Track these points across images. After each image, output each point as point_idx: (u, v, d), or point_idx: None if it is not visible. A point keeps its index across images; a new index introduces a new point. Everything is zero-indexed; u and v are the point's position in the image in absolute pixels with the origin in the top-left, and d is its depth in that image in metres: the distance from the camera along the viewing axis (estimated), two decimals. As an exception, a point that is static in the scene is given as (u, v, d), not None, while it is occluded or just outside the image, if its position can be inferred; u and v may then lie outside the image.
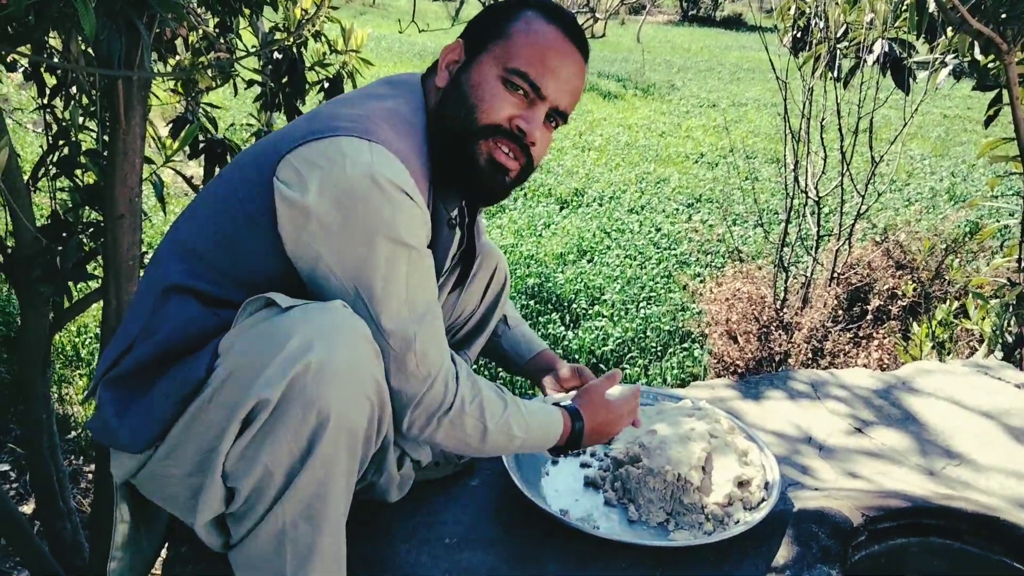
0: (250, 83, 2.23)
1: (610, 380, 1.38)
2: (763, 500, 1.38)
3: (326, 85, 2.25)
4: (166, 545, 1.34)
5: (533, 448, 1.26)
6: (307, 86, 2.19)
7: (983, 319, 2.52)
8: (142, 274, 1.18)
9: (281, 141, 1.08)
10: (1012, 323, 2.48)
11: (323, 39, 2.21)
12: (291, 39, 2.08)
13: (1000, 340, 2.49)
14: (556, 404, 1.32)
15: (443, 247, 1.22)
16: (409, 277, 1.06)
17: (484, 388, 1.17)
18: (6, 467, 2.66)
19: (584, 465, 1.55)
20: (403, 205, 1.04)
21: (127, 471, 1.11)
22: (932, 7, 2.42)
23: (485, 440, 1.16)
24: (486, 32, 1.17)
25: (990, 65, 2.42)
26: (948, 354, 2.72)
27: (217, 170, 2.20)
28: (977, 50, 2.39)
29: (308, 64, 2.19)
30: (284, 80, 2.16)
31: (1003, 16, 2.13)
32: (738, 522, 1.34)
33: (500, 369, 3.28)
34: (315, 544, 1.03)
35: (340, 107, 1.12)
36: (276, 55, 2.15)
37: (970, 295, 2.66)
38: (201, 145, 2.17)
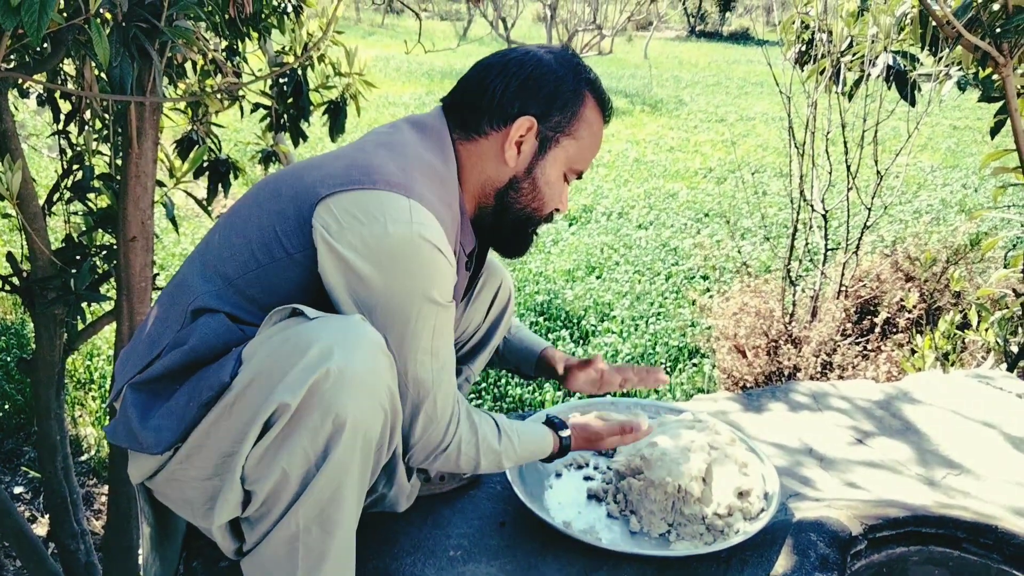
0: (256, 106, 2.28)
1: (633, 432, 1.41)
2: (763, 510, 1.40)
3: (332, 107, 2.29)
4: (182, 558, 1.36)
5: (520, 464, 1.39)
6: (311, 108, 2.24)
7: (987, 330, 2.52)
8: (163, 290, 1.22)
9: (320, 183, 1.10)
10: (1019, 333, 2.48)
11: (327, 61, 2.26)
12: (297, 62, 2.13)
13: (1004, 351, 2.49)
14: (550, 422, 1.39)
15: (459, 285, 1.28)
16: (436, 331, 1.13)
17: (481, 425, 1.25)
18: (20, 489, 2.70)
19: (587, 478, 1.57)
20: (438, 265, 1.10)
21: (144, 472, 1.14)
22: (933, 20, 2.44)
23: (477, 469, 1.26)
24: (554, 111, 1.22)
25: (994, 77, 2.43)
26: (953, 365, 2.72)
27: (220, 189, 2.24)
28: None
29: (312, 86, 2.23)
30: (289, 102, 2.21)
31: (999, 30, 2.15)
32: (738, 532, 1.35)
33: (508, 377, 3.30)
34: (326, 550, 1.06)
35: (378, 153, 1.15)
36: (281, 79, 2.20)
37: (972, 306, 2.66)
38: (205, 164, 2.22)
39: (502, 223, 1.28)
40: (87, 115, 2.07)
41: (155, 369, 1.11)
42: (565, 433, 1.38)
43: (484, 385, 3.32)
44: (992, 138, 2.69)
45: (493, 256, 1.51)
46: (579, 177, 1.31)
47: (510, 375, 3.37)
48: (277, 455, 1.02)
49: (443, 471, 1.37)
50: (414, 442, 1.18)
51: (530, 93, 1.21)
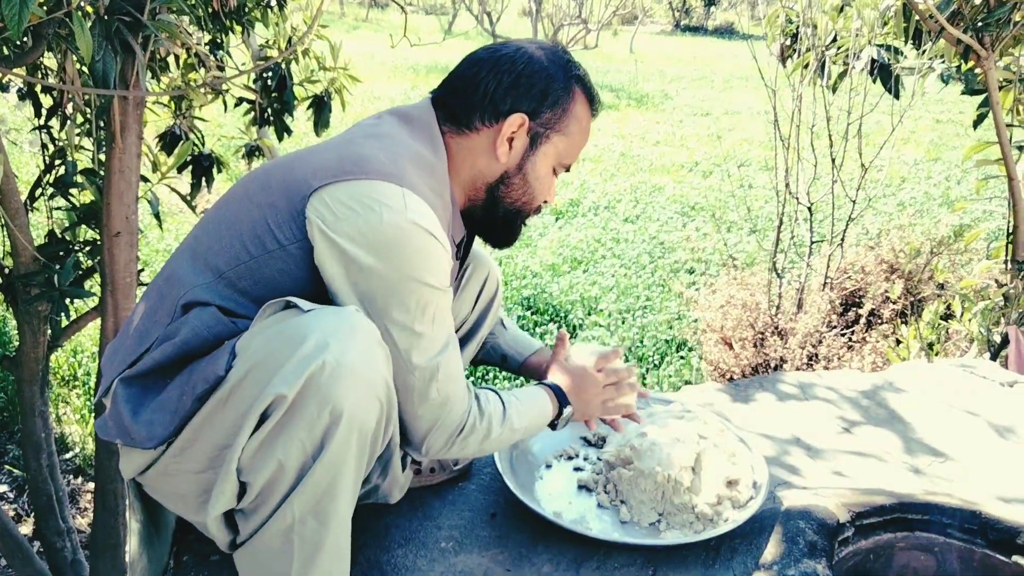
0: (240, 100, 2.26)
1: (560, 345, 1.46)
2: (751, 499, 1.41)
3: (316, 101, 2.28)
4: (172, 553, 1.35)
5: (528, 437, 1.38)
6: (296, 102, 2.22)
7: (970, 320, 2.55)
8: (150, 285, 1.21)
9: (312, 175, 1.11)
10: (1000, 323, 2.51)
11: (311, 55, 2.25)
12: (281, 56, 2.12)
13: (987, 340, 2.52)
14: (541, 383, 1.40)
15: (451, 274, 1.27)
16: (436, 317, 1.14)
17: (490, 403, 1.26)
18: (4, 487, 2.67)
19: (577, 469, 1.57)
20: (434, 252, 1.11)
21: (136, 468, 1.14)
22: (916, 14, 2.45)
23: (489, 448, 1.27)
24: (545, 108, 1.23)
25: (976, 70, 2.46)
26: (937, 355, 2.75)
27: (204, 184, 2.23)
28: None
29: (297, 81, 2.22)
30: (274, 96, 2.20)
31: (980, 23, 2.17)
32: (727, 520, 1.36)
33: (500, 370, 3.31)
34: (322, 541, 1.06)
35: (367, 144, 1.16)
36: (265, 73, 2.19)
37: (956, 296, 2.69)
38: (188, 159, 2.20)
39: (493, 216, 1.29)
40: (69, 109, 2.05)
41: (145, 363, 1.11)
42: (552, 382, 1.39)
43: (472, 380, 3.32)
44: (974, 129, 2.71)
45: (480, 247, 1.51)
46: (567, 170, 1.32)
47: (499, 370, 3.37)
48: (273, 446, 1.02)
49: (457, 458, 1.36)
50: (428, 430, 1.18)
51: (522, 90, 1.22)
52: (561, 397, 1.37)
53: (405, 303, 1.10)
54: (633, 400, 1.46)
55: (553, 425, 1.39)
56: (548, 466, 1.57)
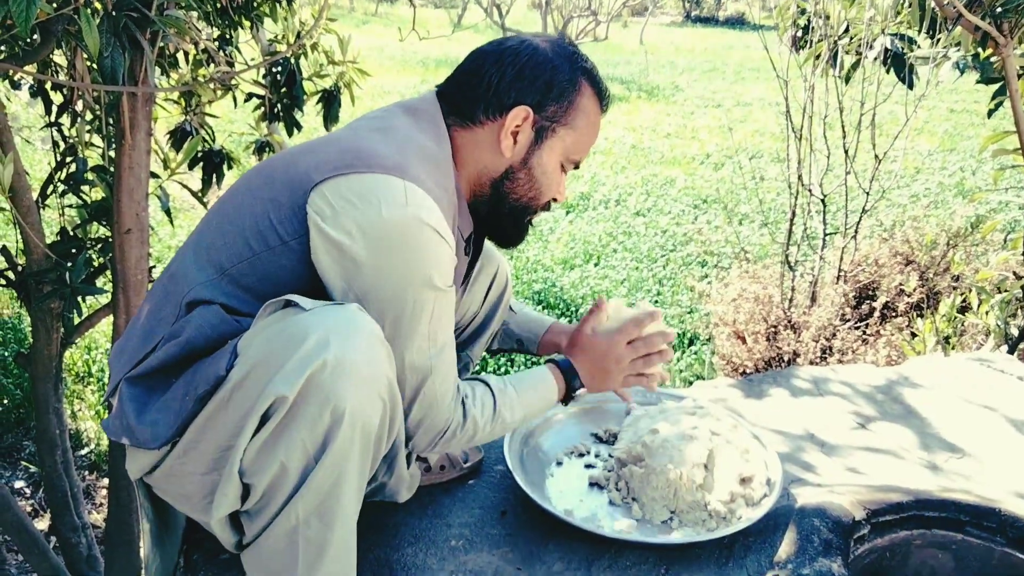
0: (249, 96, 2.26)
1: (594, 313, 1.42)
2: (765, 496, 1.39)
3: (326, 96, 2.27)
4: (182, 552, 1.36)
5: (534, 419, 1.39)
6: (305, 97, 2.22)
7: (987, 313, 2.52)
8: (155, 283, 1.20)
9: (314, 168, 1.09)
10: (1018, 315, 2.48)
11: (320, 50, 2.24)
12: (290, 50, 2.11)
13: (1005, 333, 2.48)
14: (552, 359, 1.39)
15: (458, 270, 1.27)
16: (434, 316, 1.12)
17: (476, 403, 1.24)
18: (21, 483, 2.69)
19: (588, 466, 1.56)
20: (436, 249, 1.09)
21: (142, 468, 1.14)
22: (932, 2, 2.42)
23: (479, 442, 1.27)
24: (550, 101, 1.21)
25: (993, 59, 2.42)
26: (954, 349, 2.72)
27: (215, 180, 2.23)
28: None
29: (306, 75, 2.22)
30: (283, 91, 2.19)
31: (999, 10, 2.13)
32: (740, 518, 1.35)
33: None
34: (327, 542, 1.05)
35: (371, 137, 1.14)
36: (274, 68, 2.18)
37: (972, 289, 2.66)
38: (199, 155, 2.20)
39: (498, 212, 1.27)
40: (79, 106, 2.05)
41: (150, 363, 1.10)
42: (565, 358, 1.37)
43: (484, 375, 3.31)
44: (989, 118, 2.67)
45: (489, 243, 1.50)
46: (576, 167, 1.30)
47: (511, 365, 3.37)
48: (275, 448, 1.01)
49: (448, 454, 1.38)
50: (415, 428, 1.18)
51: (526, 83, 1.20)
52: (570, 375, 1.36)
53: (402, 302, 1.09)
54: (658, 372, 1.41)
55: (565, 401, 1.38)
56: (559, 463, 1.56)
